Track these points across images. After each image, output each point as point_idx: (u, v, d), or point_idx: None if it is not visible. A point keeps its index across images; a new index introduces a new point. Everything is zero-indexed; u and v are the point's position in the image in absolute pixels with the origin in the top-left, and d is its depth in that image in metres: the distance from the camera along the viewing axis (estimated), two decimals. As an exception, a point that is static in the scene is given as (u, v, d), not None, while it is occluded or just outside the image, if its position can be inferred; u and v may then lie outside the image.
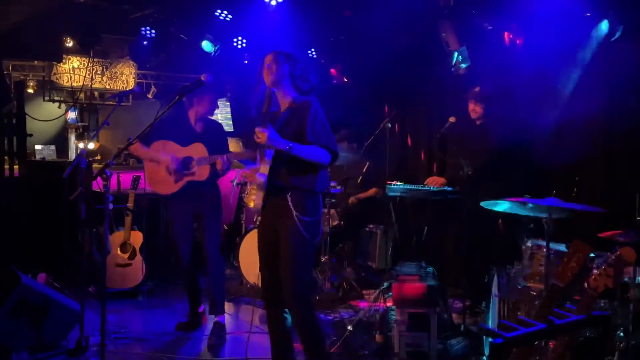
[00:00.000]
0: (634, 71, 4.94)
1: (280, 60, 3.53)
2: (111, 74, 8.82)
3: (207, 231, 4.86)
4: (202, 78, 3.94)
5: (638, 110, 4.98)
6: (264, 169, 3.47)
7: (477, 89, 5.40)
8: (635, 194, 3.82)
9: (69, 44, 7.37)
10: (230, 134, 9.39)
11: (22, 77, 8.29)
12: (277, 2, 6.38)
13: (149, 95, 9.11)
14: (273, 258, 3.60)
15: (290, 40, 6.77)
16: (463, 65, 6.13)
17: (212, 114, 5.00)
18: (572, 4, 5.12)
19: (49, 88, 8.88)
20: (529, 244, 4.23)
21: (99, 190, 5.48)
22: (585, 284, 2.50)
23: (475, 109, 5.34)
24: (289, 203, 3.47)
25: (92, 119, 10.17)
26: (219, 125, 5.11)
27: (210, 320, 4.97)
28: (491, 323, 4.58)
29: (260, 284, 6.04)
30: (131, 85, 8.91)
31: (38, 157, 9.36)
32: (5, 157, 5.81)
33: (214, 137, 4.83)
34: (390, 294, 4.44)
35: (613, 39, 5.05)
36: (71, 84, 8.39)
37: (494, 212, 4.93)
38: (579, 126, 5.36)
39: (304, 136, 3.44)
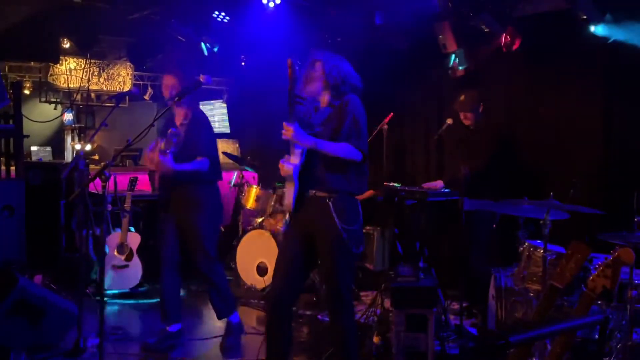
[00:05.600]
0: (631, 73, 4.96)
1: (317, 63, 3.59)
2: (108, 76, 8.78)
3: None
4: (201, 79, 3.94)
5: (635, 111, 5.00)
6: (294, 159, 3.40)
7: (462, 97, 5.39)
8: (633, 194, 3.82)
9: (66, 45, 7.34)
10: (227, 135, 9.38)
11: (18, 78, 8.24)
12: (275, 5, 6.38)
13: (146, 97, 9.08)
14: (297, 269, 3.55)
15: (288, 42, 6.77)
16: (460, 67, 6.15)
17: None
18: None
19: (45, 89, 8.84)
20: (526, 245, 4.24)
21: (95, 192, 5.46)
22: (584, 285, 2.50)
23: (467, 117, 5.35)
24: (331, 210, 3.38)
25: (88, 121, 10.12)
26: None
27: (207, 323, 4.95)
28: (489, 324, 4.59)
29: (257, 286, 6.16)
30: (128, 86, 8.88)
31: (34, 158, 9.33)
32: (2, 158, 5.79)
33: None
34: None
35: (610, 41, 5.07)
36: (68, 85, 8.35)
37: (491, 213, 4.96)
38: (576, 127, 5.39)
39: (340, 136, 3.41)
